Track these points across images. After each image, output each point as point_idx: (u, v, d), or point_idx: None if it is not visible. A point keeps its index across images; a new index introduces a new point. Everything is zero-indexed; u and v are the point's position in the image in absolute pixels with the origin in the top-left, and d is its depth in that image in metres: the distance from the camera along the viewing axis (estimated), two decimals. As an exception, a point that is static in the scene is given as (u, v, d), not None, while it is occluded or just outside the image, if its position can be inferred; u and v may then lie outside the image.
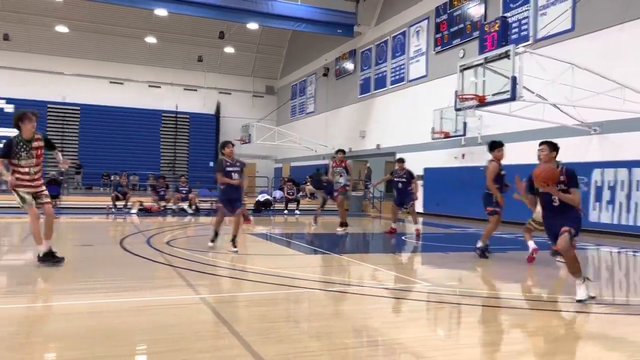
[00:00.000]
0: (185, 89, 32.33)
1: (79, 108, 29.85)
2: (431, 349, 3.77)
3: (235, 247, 8.19)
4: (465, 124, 17.03)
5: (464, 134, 17.21)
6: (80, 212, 17.35)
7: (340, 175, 12.16)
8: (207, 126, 32.61)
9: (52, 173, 21.30)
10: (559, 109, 12.88)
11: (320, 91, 28.60)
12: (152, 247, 8.82)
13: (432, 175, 18.92)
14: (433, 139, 18.21)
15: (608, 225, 12.61)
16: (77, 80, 29.57)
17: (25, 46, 28.38)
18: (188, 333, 3.99)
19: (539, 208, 7.75)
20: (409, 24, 21.03)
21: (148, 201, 18.26)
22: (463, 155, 17.78)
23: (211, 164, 31.20)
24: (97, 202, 19.55)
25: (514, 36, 15.36)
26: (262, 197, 20.66)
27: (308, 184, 23.22)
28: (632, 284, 7.16)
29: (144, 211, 17.62)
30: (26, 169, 6.51)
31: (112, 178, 25.88)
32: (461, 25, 18.18)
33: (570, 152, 13.58)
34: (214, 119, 32.87)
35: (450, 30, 18.71)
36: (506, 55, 11.49)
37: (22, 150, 6.46)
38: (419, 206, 14.89)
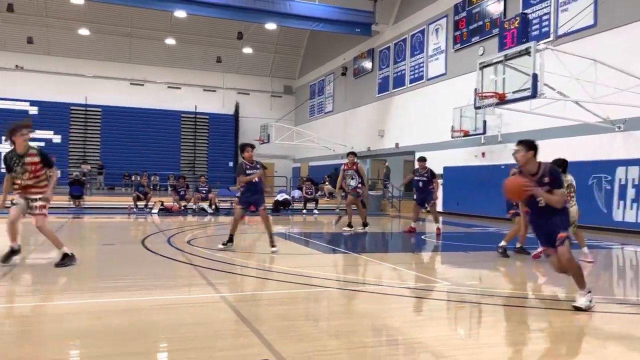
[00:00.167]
0: (204, 90, 32.60)
1: (100, 109, 30.32)
2: (451, 348, 3.75)
3: (274, 246, 8.22)
4: (485, 122, 16.87)
5: (484, 132, 17.05)
6: (102, 212, 17.63)
7: (352, 178, 12.17)
8: (226, 126, 32.84)
9: (75, 174, 21.67)
10: (581, 106, 12.67)
11: (339, 90, 28.59)
12: (173, 246, 8.92)
13: (451, 174, 18.78)
14: (452, 137, 18.07)
15: (633, 224, 12.37)
16: (98, 82, 30.03)
17: (49, 49, 28.91)
18: (209, 331, 4.03)
19: (571, 209, 7.69)
20: (428, 22, 20.89)
21: (169, 201, 18.47)
22: (483, 154, 17.61)
23: (230, 164, 31.44)
24: (119, 202, 19.83)
25: (534, 33, 15.16)
26: (280, 197, 20.74)
27: (327, 183, 23.24)
28: (657, 284, 7.02)
29: (165, 211, 17.82)
30: (19, 182, 6.50)
31: (133, 178, 26.25)
32: (480, 23, 18.00)
33: (594, 149, 13.38)
34: (233, 120, 33.08)
35: (469, 27, 18.54)
36: (527, 52, 11.35)
37: (15, 164, 6.40)
38: (438, 205, 14.80)
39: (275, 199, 20.52)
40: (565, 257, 4.80)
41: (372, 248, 10.50)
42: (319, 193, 22.16)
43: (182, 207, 18.17)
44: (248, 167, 8.48)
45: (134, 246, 9.10)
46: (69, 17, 27.44)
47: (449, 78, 19.44)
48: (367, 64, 25.46)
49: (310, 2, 22.59)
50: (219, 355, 3.49)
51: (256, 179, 8.42)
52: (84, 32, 28.33)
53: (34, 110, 28.87)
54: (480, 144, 17.64)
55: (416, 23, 21.65)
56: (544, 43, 12.16)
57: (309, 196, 20.63)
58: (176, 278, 6.41)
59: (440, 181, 16.14)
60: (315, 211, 19.91)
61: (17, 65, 28.57)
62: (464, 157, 18.34)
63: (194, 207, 18.27)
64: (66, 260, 6.65)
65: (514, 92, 11.65)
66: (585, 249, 7.98)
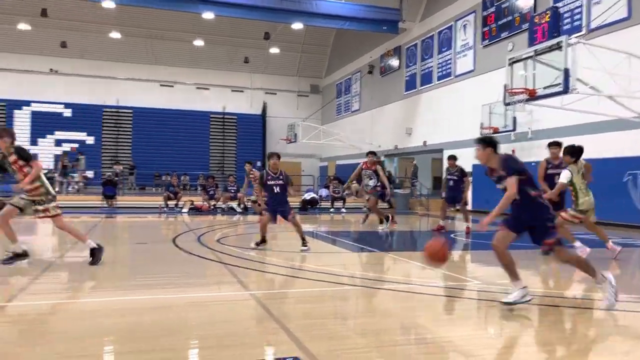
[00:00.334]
0: (232, 90, 32.92)
1: (132, 111, 30.93)
2: (481, 348, 3.72)
3: (305, 245, 8.28)
4: (514, 118, 16.59)
5: (514, 129, 16.77)
6: (134, 212, 18.00)
7: (370, 178, 12.18)
8: (254, 126, 33.10)
9: (108, 174, 22.18)
10: (615, 101, 12.34)
11: (365, 89, 28.51)
12: (203, 245, 9.06)
13: (481, 171, 18.45)
14: (482, 134, 17.82)
15: (670, 222, 12.00)
16: (129, 84, 30.64)
17: (81, 53, 29.63)
18: (239, 329, 4.09)
19: (586, 198, 7.51)
20: (455, 18, 20.66)
21: (198, 200, 18.74)
22: (513, 151, 17.31)
23: (259, 163, 31.69)
24: (150, 201, 20.21)
25: (566, 27, 14.82)
26: (308, 196, 20.81)
27: (354, 182, 23.17)
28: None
29: (195, 210, 18.09)
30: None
31: (163, 178, 26.71)
32: (509, 18, 17.70)
33: (630, 145, 13.02)
34: (261, 119, 33.32)
35: (498, 23, 18.26)
36: (558, 46, 11.11)
37: (8, 166, 6.63)
38: (468, 203, 14.61)
39: (303, 198, 20.60)
40: (564, 259, 4.79)
41: (400, 246, 10.45)
42: (347, 192, 22.14)
43: (212, 207, 18.42)
44: (270, 177, 8.49)
45: (166, 245, 9.27)
46: (100, 21, 28.07)
47: (478, 74, 19.18)
48: (394, 62, 25.31)
49: (336, 1, 22.59)
50: (250, 352, 3.54)
51: (277, 190, 8.39)
52: (115, 35, 28.95)
53: (68, 113, 29.65)
54: (510, 141, 17.35)
55: (444, 19, 21.42)
56: (576, 37, 11.88)
57: (336, 195, 20.64)
58: (207, 276, 6.52)
59: (469, 179, 15.88)
60: (343, 210, 19.91)
61: (51, 69, 29.37)
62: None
63: (223, 206, 18.49)
64: (97, 255, 6.79)
65: (544, 88, 11.43)
66: (610, 244, 7.74)
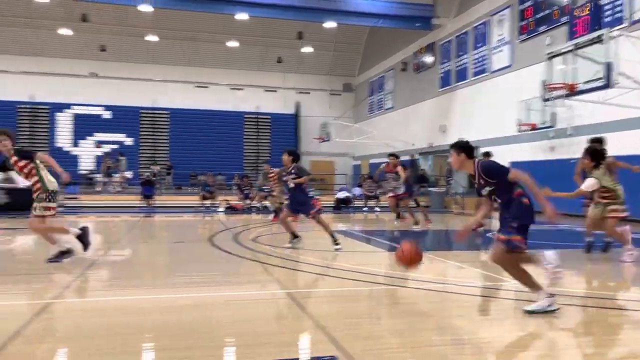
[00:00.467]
0: (265, 90, 33.19)
1: (168, 112, 31.56)
2: (521, 350, 3.66)
3: (337, 244, 8.24)
4: (553, 114, 16.17)
5: (553, 126, 16.35)
6: (171, 211, 18.38)
7: (394, 180, 12.21)
8: (287, 126, 33.29)
9: (146, 174, 22.71)
10: (660, 95, 11.90)
11: (399, 86, 28.29)
12: (239, 243, 9.18)
13: (518, 169, 18.10)
14: (519, 131, 17.45)
15: None
16: (165, 86, 31.25)
17: (120, 56, 30.40)
18: (275, 327, 4.14)
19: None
20: (491, 12, 20.28)
21: (234, 200, 18.99)
22: (552, 148, 16.90)
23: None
24: (187, 201, 20.59)
25: (607, 19, 14.35)
26: (341, 194, 20.81)
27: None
28: None
29: (230, 209, 18.34)
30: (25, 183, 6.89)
31: (199, 178, 27.17)
32: (547, 11, 17.26)
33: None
34: (294, 119, 33.49)
35: (535, 16, 17.82)
36: (599, 40, 10.80)
37: (11, 167, 6.83)
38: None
39: (336, 196, 20.60)
40: (495, 259, 4.58)
41: (435, 246, 10.35)
42: (380, 190, 22.04)
43: (247, 206, 18.63)
44: (284, 173, 8.63)
45: (203, 244, 9.43)
46: (137, 24, 28.73)
47: (514, 70, 18.78)
48: (428, 59, 25.03)
49: (369, -2, 22.53)
50: (286, 350, 3.57)
51: (291, 184, 8.41)
52: (151, 38, 29.58)
53: (107, 115, 30.48)
54: (549, 137, 16.93)
55: (479, 14, 21.06)
56: (618, 30, 11.52)
57: (369, 194, 20.57)
58: (243, 275, 6.60)
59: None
60: (377, 209, 19.83)
61: (91, 72, 30.24)
62: (532, 151, 17.67)
63: (257, 205, 18.68)
64: (61, 256, 6.87)
65: (585, 83, 11.13)
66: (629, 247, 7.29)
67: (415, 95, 26.23)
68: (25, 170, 6.63)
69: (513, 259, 4.51)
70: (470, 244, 10.40)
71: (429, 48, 24.92)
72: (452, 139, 22.84)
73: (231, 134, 32.16)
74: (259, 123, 33.17)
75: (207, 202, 18.92)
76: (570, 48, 11.58)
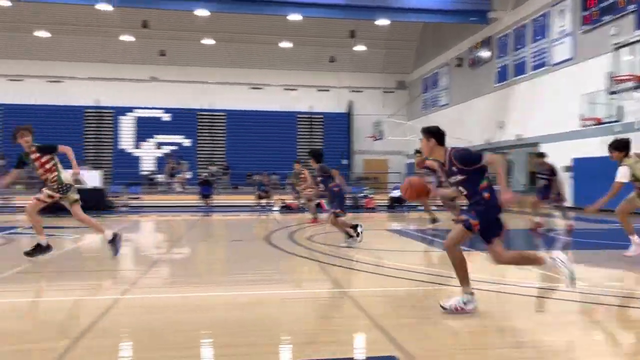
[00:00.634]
0: (318, 90, 33.37)
1: (225, 114, 32.33)
2: (588, 355, 3.52)
3: (350, 238, 8.38)
4: (620, 108, 15.38)
5: (620, 120, 15.55)
6: (229, 210, 18.83)
7: (428, 175, 12.00)
8: (340, 125, 33.34)
9: (204, 175, 23.38)
10: None
11: (454, 82, 27.74)
12: (295, 242, 9.30)
13: (582, 165, 17.37)
14: (583, 126, 16.72)
15: None
16: (221, 88, 32.02)
17: (178, 60, 31.42)
18: (332, 325, 4.17)
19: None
20: (551, 3, 19.52)
21: (289, 199, 19.23)
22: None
23: (345, 161, 31.90)
24: (243, 200, 21.03)
25: (679, 5, 13.53)
26: (395, 193, 20.63)
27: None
28: None
29: (285, 208, 18.59)
30: (42, 178, 7.08)
31: (255, 178, 27.66)
32: (613, 0, 16.43)
33: None
34: (347, 118, 33.49)
35: (600, 5, 17.01)
36: (670, 28, 10.19)
37: (29, 162, 7.02)
38: (567, 200, 13.79)
39: (390, 195, 20.45)
40: (446, 241, 4.54)
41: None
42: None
43: (301, 205, 18.80)
44: (317, 173, 9.03)
45: (259, 242, 9.62)
46: (194, 28, 29.59)
47: (577, 62, 18.01)
48: (484, 53, 24.40)
49: (422, -6, 22.23)
50: (344, 349, 3.60)
51: (321, 185, 8.81)
52: (208, 41, 30.40)
53: (167, 117, 31.58)
54: (615, 132, 16.09)
55: (538, 6, 20.33)
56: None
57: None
58: (299, 273, 6.69)
59: (568, 174, 15.00)
60: (433, 207, 19.48)
61: (151, 77, 31.42)
62: (597, 147, 16.86)
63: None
64: (37, 251, 6.94)
65: (655, 74, 10.53)
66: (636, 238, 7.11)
67: (471, 91, 25.63)
68: (47, 166, 6.93)
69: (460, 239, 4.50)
70: (528, 244, 10.08)
71: (485, 42, 24.28)
72: (510, 135, 22.31)
73: (285, 134, 32.55)
74: (312, 122, 33.39)
75: (263, 201, 19.25)
76: (638, 38, 10.99)
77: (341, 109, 33.57)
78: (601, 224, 13.33)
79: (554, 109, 18.95)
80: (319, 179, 8.91)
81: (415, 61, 33.27)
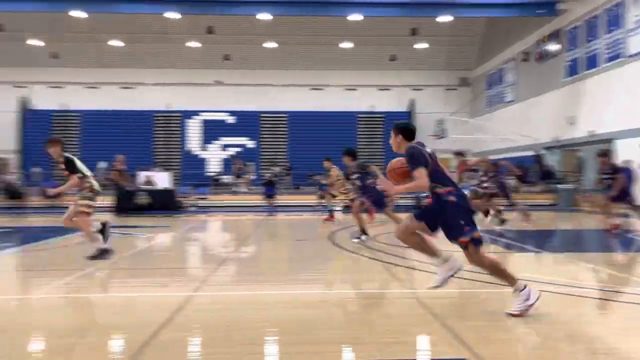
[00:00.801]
0: (378, 89, 33.20)
1: (286, 115, 32.83)
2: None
3: (359, 237, 8.68)
4: None
5: None
6: (291, 210, 19.14)
7: (471, 178, 11.67)
8: (401, 124, 32.97)
9: (267, 175, 23.90)
10: None
11: (520, 78, 26.78)
12: (357, 242, 9.34)
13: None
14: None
15: None
16: (283, 90, 32.53)
17: (241, 63, 32.20)
18: (399, 326, 4.18)
19: None
20: (626, -8, 18.47)
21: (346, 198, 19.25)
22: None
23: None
24: (305, 200, 21.30)
25: None
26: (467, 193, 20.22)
27: (511, 177, 21.95)
28: None
29: (347, 208, 18.63)
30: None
31: (316, 178, 27.92)
32: (696, -15, 15.34)
33: None
34: (408, 116, 33.10)
35: (681, -8, 15.93)
36: None
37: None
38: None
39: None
40: (473, 261, 4.40)
41: (567, 246, 9.70)
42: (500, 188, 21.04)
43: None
44: (351, 171, 9.43)
45: (322, 242, 9.74)
46: (257, 32, 30.23)
47: (656, 52, 16.94)
48: (552, 47, 23.40)
49: (486, -12, 21.64)
50: (412, 350, 3.61)
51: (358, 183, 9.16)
52: (270, 45, 30.98)
53: (231, 120, 32.46)
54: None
55: (611, -5, 19.30)
56: None
57: (491, 191, 19.70)
58: (364, 273, 6.73)
59: (621, 176, 13.89)
60: (502, 207, 18.93)
61: (216, 81, 32.40)
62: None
63: (373, 204, 18.78)
64: (101, 255, 7.15)
65: None
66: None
67: (539, 87, 24.66)
68: (68, 176, 7.25)
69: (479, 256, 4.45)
70: (604, 245, 9.62)
71: (554, 35, 23.29)
72: (582, 132, 21.30)
73: (345, 134, 32.57)
74: (373, 122, 33.27)
75: (324, 201, 19.38)
76: None
77: (402, 107, 33.22)
78: None
79: (630, 102, 17.91)
80: (354, 176, 9.06)
81: (479, 57, 32.39)
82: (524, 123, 25.44)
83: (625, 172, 10.63)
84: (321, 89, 32.78)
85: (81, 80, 31.38)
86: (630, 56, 18.33)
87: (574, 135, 21.70)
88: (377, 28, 29.79)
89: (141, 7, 24.06)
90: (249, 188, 25.56)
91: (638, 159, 11.02)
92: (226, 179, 27.03)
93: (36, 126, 29.64)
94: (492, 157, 29.08)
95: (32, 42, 28.93)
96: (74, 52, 30.46)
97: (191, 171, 29.36)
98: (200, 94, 32.04)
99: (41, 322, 4.49)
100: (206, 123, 32.43)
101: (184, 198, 20.03)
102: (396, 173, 4.66)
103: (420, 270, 6.81)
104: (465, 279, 5.99)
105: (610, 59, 19.46)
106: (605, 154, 10.84)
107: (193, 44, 30.35)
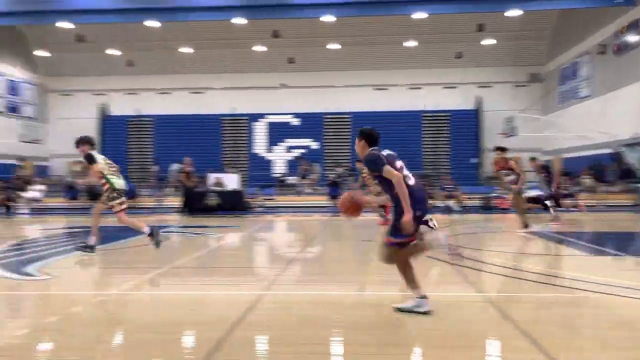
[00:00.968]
0: (443, 87, 32.55)
1: (350, 116, 32.87)
2: None
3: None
4: None
5: None
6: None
7: (507, 176, 10.99)
8: (467, 122, 32.18)
9: (332, 176, 24.07)
10: None
11: (596, 72, 25.40)
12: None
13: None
14: None
15: None
16: (346, 91, 32.59)
17: (305, 66, 32.58)
18: (472, 330, 4.11)
19: None
20: None
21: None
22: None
23: (472, 160, 30.77)
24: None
25: None
26: (532, 193, 19.43)
27: (587, 176, 20.92)
28: None
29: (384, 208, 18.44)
30: None
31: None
32: None
33: None
34: (475, 115, 32.26)
35: None
36: None
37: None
38: None
39: (525, 195, 19.29)
40: (387, 261, 4.52)
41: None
42: (577, 188, 20.09)
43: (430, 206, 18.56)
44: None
45: (388, 243, 9.67)
46: (320, 34, 30.48)
47: None
48: (632, 38, 22.04)
49: (558, -21, 20.72)
50: (489, 355, 3.53)
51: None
52: (333, 46, 31.15)
53: (296, 122, 32.92)
54: None
55: (699, -20, 17.93)
56: None
57: (563, 192, 18.85)
58: (433, 275, 6.64)
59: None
60: (574, 208, 18.09)
61: (281, 84, 32.96)
62: None
63: (439, 205, 18.47)
64: (86, 248, 7.73)
65: None
66: None
67: (617, 80, 23.28)
68: (94, 172, 7.69)
69: (396, 255, 4.51)
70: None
71: (633, 25, 21.91)
72: (666, 127, 19.87)
73: (410, 134, 32.18)
74: (438, 121, 32.65)
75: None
76: None
77: (469, 105, 32.40)
78: None
79: None
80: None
81: (550, 52, 31.01)
82: (601, 118, 24.11)
83: None
84: (385, 89, 32.57)
85: (153, 86, 32.89)
86: None
87: (658, 131, 20.33)
88: (441, 25, 29.24)
89: (209, 15, 24.93)
90: (314, 188, 25.84)
91: None
92: (291, 180, 27.48)
93: (114, 131, 31.46)
94: (566, 155, 27.90)
95: (110, 51, 30.67)
96: (147, 60, 32.03)
97: (258, 173, 30.03)
98: (265, 97, 32.69)
99: (125, 316, 4.80)
100: (271, 125, 33.04)
101: (251, 199, 20.53)
102: (353, 208, 4.74)
103: (491, 273, 6.63)
104: (540, 282, 5.79)
105: (699, 49, 18.08)
106: (620, 155, 10.09)
107: (259, 48, 31.05)
